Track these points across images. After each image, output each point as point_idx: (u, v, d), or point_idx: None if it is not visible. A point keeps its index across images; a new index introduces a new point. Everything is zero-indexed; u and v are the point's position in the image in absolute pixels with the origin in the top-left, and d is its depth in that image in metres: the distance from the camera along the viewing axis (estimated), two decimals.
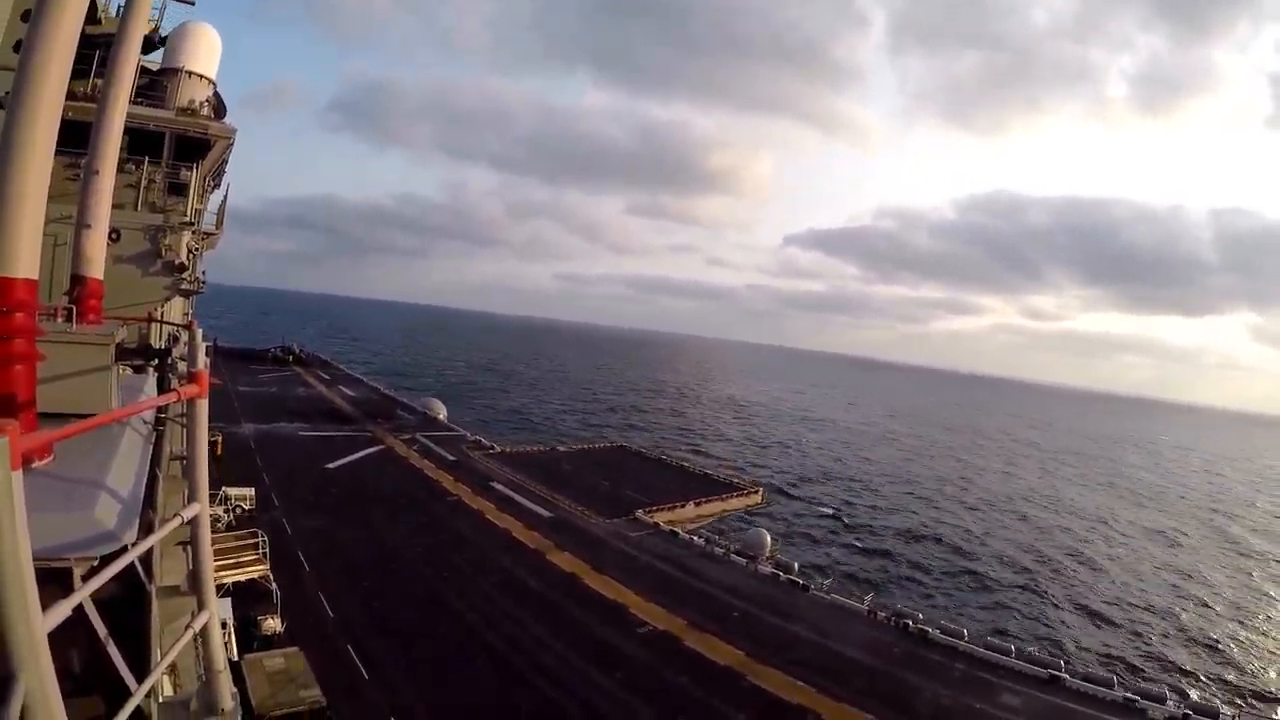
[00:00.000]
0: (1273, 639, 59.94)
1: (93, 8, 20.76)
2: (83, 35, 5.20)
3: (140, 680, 3.84)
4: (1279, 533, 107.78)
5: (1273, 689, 49.34)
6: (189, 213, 24.64)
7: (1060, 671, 30.83)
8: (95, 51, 19.86)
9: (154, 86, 25.64)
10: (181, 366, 10.22)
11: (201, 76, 26.30)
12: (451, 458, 59.87)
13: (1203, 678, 49.70)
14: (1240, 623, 62.92)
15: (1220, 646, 56.13)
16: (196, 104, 25.62)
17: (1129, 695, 29.41)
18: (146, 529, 4.96)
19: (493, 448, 66.58)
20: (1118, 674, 34.43)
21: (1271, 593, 74.32)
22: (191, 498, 4.64)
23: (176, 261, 23.51)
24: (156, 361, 10.17)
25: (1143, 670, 49.12)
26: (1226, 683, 49.37)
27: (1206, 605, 66.71)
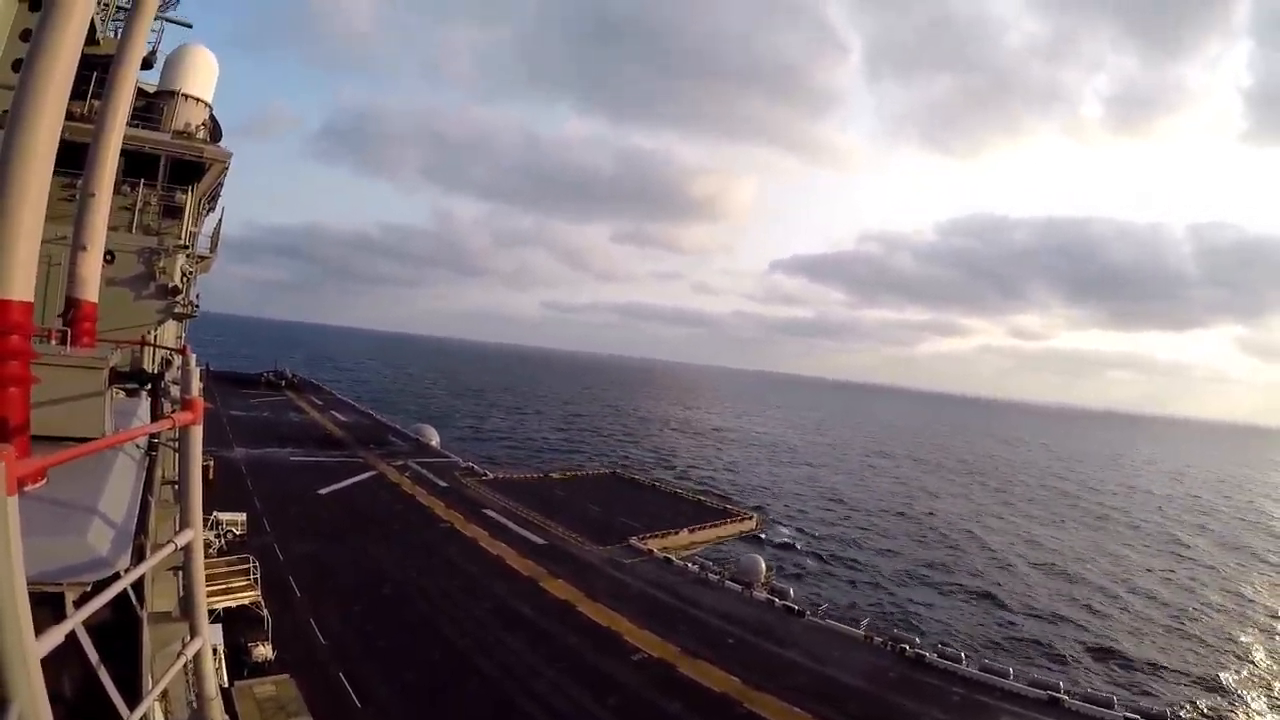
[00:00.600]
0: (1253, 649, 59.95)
1: (91, 29, 20.88)
2: (81, 56, 5.19)
3: (132, 707, 3.78)
4: (1233, 540, 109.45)
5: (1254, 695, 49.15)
6: (183, 236, 24.62)
7: (1059, 693, 30.63)
8: (93, 73, 19.94)
9: (150, 109, 25.72)
10: (175, 391, 10.17)
11: (198, 100, 26.38)
12: (444, 484, 59.59)
13: (1205, 694, 49.49)
14: (1224, 636, 62.84)
15: (1213, 664, 55.97)
16: (192, 127, 25.69)
17: (1129, 715, 29.21)
18: (139, 554, 4.89)
19: (485, 474, 66.32)
20: (1117, 694, 34.16)
21: (1229, 601, 74.84)
22: (184, 524, 4.59)
23: (170, 285, 23.44)
24: (149, 386, 10.10)
25: (1145, 685, 48.88)
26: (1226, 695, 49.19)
27: (1186, 615, 66.69)
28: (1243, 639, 62.74)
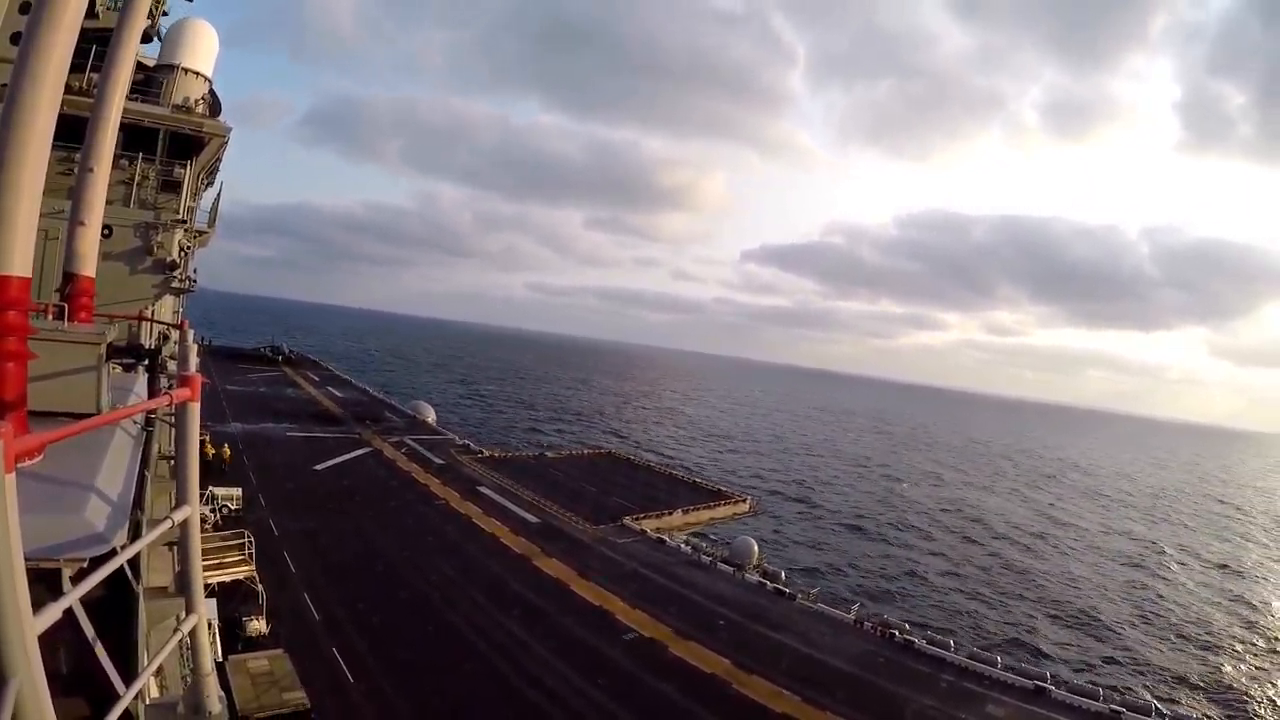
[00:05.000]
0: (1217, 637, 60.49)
1: (90, 2, 20.67)
2: (80, 29, 5.14)
3: (127, 682, 3.81)
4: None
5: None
6: (181, 210, 24.51)
7: (1046, 683, 30.92)
8: (92, 46, 19.75)
9: (150, 82, 25.49)
10: (171, 366, 10.16)
11: (198, 74, 26.17)
12: (439, 461, 59.72)
13: (1196, 688, 49.99)
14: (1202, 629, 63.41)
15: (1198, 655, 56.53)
16: (192, 101, 25.49)
17: (1114, 707, 29.49)
18: (135, 531, 4.92)
19: (480, 452, 66.48)
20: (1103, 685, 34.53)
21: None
22: (181, 500, 4.60)
23: (167, 259, 23.39)
24: (147, 361, 10.09)
25: (1125, 670, 49.37)
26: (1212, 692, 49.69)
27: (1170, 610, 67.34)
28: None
